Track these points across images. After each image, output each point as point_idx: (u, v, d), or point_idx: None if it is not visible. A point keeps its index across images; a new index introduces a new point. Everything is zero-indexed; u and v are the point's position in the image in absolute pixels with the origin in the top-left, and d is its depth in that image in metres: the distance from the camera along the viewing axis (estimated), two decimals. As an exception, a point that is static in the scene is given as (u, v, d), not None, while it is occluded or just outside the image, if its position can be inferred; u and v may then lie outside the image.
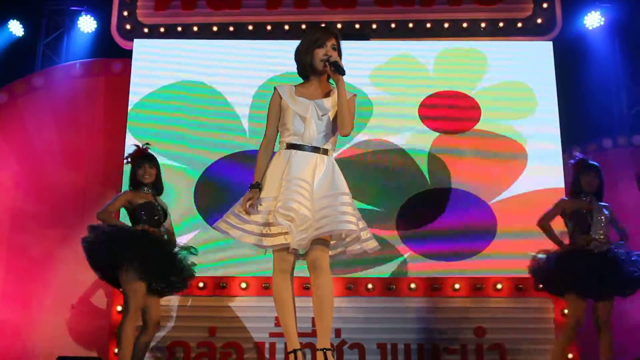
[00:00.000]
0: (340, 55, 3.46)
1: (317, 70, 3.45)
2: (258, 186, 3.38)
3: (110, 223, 4.89)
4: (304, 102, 3.42)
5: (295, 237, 3.22)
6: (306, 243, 3.25)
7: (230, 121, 6.51)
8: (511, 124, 6.48)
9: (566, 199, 5.21)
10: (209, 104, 6.55)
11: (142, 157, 5.06)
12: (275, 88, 3.51)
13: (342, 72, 3.36)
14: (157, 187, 5.09)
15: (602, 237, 4.91)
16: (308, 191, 3.27)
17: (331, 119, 3.42)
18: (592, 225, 4.92)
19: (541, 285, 5.24)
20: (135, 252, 4.68)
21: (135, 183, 5.03)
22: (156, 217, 4.95)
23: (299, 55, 3.49)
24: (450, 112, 6.53)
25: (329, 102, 3.44)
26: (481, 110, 6.51)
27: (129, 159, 5.11)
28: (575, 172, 5.12)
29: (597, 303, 4.89)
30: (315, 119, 3.38)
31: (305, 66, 3.47)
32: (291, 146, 3.39)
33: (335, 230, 3.23)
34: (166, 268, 4.82)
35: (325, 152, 3.41)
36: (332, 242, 3.39)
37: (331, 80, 3.48)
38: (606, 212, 5.00)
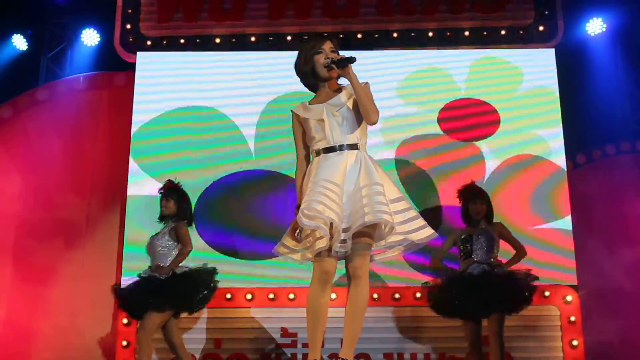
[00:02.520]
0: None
1: (321, 77, 3.43)
2: None
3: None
4: (317, 108, 3.40)
5: (333, 246, 3.17)
6: (348, 249, 3.21)
7: (233, 137, 6.52)
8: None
9: (456, 229, 5.34)
10: (211, 120, 6.58)
11: (165, 191, 5.30)
12: (291, 111, 3.51)
13: (351, 60, 3.31)
14: (179, 217, 5.23)
15: (480, 258, 5.03)
16: (336, 194, 3.19)
17: (350, 113, 3.37)
18: (473, 250, 5.08)
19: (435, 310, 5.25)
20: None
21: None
22: (159, 249, 5.09)
23: (300, 68, 3.48)
24: (469, 120, 6.55)
25: (341, 98, 3.40)
26: (499, 114, 6.54)
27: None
28: (463, 201, 5.27)
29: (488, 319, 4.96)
30: (331, 117, 3.35)
31: (308, 76, 3.46)
32: (320, 151, 3.36)
33: (365, 223, 3.12)
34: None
35: (354, 146, 3.34)
36: (374, 240, 3.31)
37: (339, 81, 3.48)
38: (490, 234, 5.09)
